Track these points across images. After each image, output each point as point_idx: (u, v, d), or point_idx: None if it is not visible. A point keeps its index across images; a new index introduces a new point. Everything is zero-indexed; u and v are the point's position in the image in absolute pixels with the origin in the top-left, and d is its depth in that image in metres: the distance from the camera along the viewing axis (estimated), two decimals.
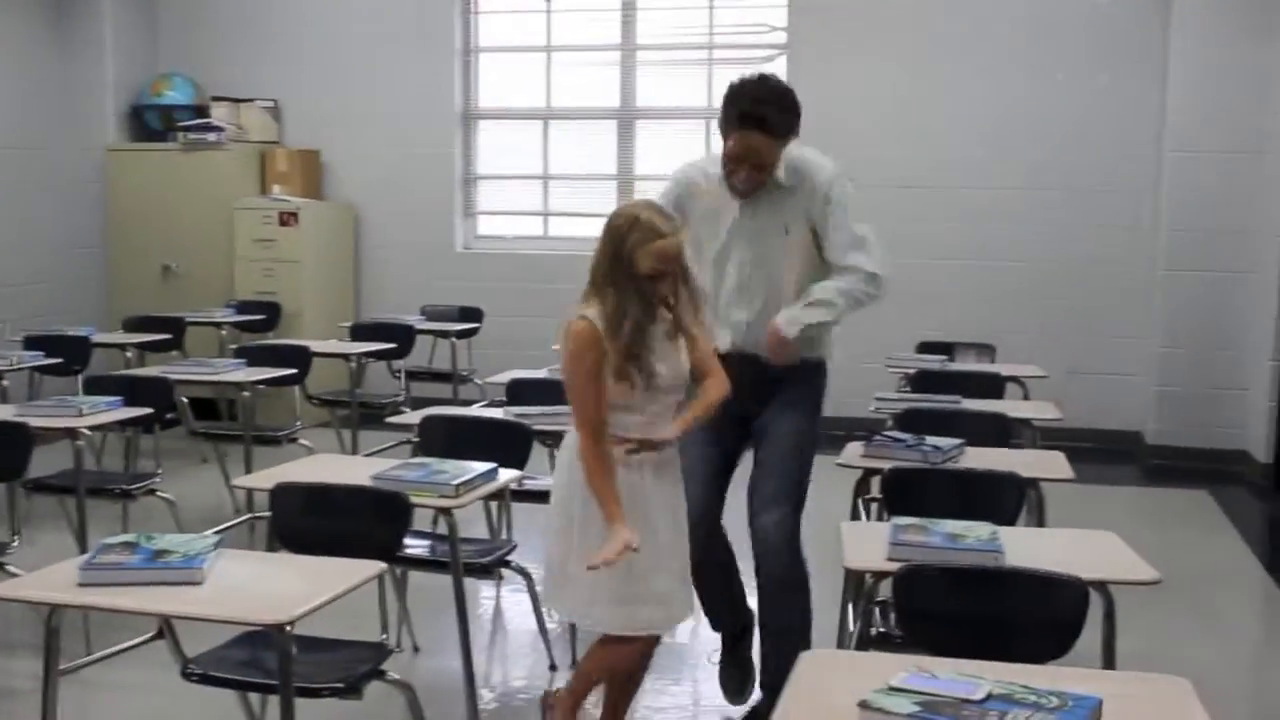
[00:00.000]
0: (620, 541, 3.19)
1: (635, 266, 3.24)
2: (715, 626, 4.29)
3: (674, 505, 3.49)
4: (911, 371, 6.00)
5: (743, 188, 3.84)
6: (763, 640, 3.99)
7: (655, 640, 3.58)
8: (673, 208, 3.79)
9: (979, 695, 2.18)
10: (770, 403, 3.98)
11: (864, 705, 2.14)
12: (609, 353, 3.25)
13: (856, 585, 3.31)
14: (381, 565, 3.15)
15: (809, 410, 4.02)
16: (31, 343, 6.95)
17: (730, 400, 3.55)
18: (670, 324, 3.37)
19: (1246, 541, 6.30)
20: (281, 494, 3.64)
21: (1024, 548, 3.12)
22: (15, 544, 4.39)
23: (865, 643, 3.20)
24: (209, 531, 3.69)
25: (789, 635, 3.75)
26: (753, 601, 4.06)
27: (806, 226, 3.93)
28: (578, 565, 3.33)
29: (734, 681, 4.24)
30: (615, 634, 3.45)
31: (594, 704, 3.71)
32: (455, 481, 3.71)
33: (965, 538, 3.14)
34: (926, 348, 6.73)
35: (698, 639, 4.82)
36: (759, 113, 3.71)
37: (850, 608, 3.49)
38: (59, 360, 6.70)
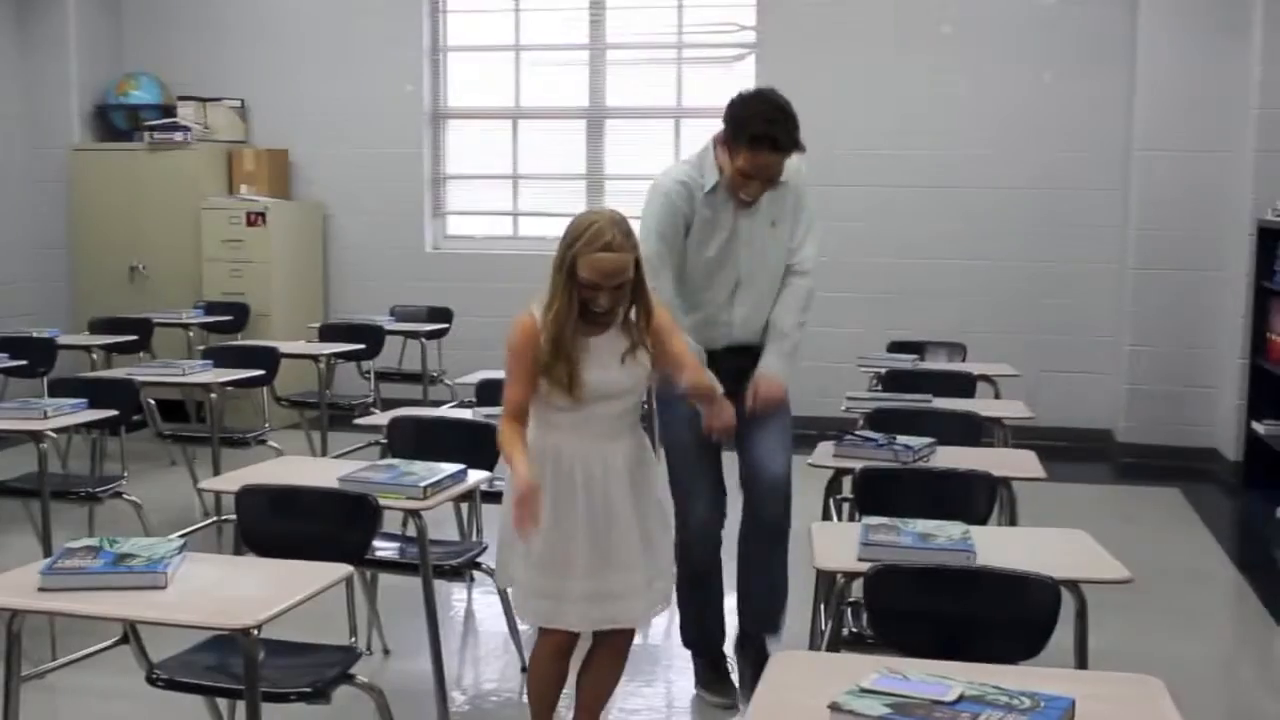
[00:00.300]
0: (521, 483, 3.21)
1: (575, 271, 3.28)
2: (702, 648, 4.35)
3: (602, 510, 3.41)
4: (882, 371, 5.98)
5: (752, 200, 4.02)
6: (754, 583, 4.26)
7: (573, 636, 3.52)
8: (680, 213, 4.03)
9: (950, 696, 2.17)
10: (747, 373, 4.18)
11: (834, 707, 2.13)
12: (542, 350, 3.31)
13: (827, 586, 3.29)
14: (348, 568, 3.12)
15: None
16: None
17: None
18: (625, 339, 3.39)
19: (1217, 539, 6.32)
20: (247, 496, 3.60)
21: (996, 547, 3.11)
22: None
23: (836, 644, 3.18)
24: (174, 535, 3.64)
25: (782, 579, 4.21)
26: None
27: (787, 218, 4.19)
28: (522, 569, 3.42)
29: (729, 692, 4.30)
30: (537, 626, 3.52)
31: (566, 707, 3.70)
32: (424, 483, 3.69)
33: (936, 537, 3.14)
34: (897, 347, 6.72)
35: (670, 639, 4.80)
36: (771, 133, 3.88)
37: (821, 608, 3.48)
38: (24, 362, 6.62)
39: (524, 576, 3.43)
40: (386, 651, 4.62)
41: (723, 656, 4.38)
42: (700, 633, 4.36)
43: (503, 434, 3.35)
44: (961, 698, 2.16)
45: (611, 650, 3.61)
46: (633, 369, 3.41)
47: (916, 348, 6.66)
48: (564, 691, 3.65)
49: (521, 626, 4.61)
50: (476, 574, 4.49)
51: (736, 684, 4.32)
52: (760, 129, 3.88)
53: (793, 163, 4.07)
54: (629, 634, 3.62)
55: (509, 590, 3.54)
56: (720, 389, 3.68)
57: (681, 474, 4.16)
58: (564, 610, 3.41)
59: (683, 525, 4.11)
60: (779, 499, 4.16)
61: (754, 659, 4.22)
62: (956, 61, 8.24)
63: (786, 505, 4.18)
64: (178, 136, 8.82)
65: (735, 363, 4.17)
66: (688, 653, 4.48)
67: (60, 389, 5.55)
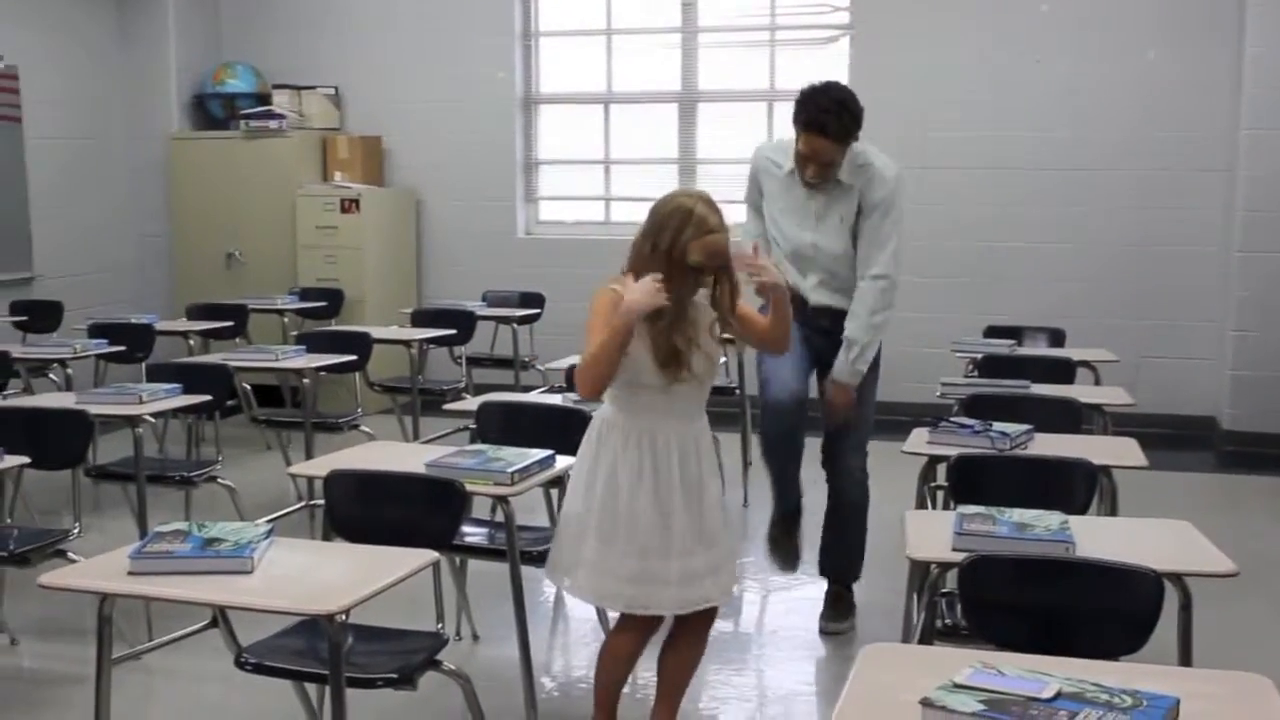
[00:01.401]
0: (644, 287, 3.25)
1: (685, 257, 3.30)
2: (782, 502, 4.63)
3: (695, 489, 3.43)
4: (978, 356, 5.87)
5: (811, 181, 4.41)
6: (835, 546, 4.79)
7: (658, 622, 3.53)
8: (755, 183, 4.63)
9: (1047, 694, 2.10)
10: (837, 350, 4.52)
11: (926, 703, 2.07)
12: (651, 339, 3.32)
13: (921, 576, 3.22)
14: (434, 554, 3.10)
15: (875, 373, 4.62)
16: (96, 330, 7.01)
17: (809, 335, 4.49)
18: (714, 316, 3.42)
19: None
20: (335, 481, 3.60)
21: (1095, 538, 3.04)
22: (76, 531, 4.40)
23: (929, 636, 3.11)
24: (263, 519, 3.66)
25: (860, 541, 4.77)
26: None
27: (854, 217, 4.50)
28: (594, 548, 3.40)
29: (789, 556, 4.74)
30: (624, 612, 3.47)
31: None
32: (511, 469, 3.66)
33: (1034, 527, 3.07)
34: (994, 332, 6.60)
35: (761, 629, 4.75)
36: (820, 120, 4.27)
37: (914, 599, 3.40)
38: (123, 348, 6.74)
39: (615, 561, 3.39)
40: (476, 637, 4.63)
41: (795, 516, 4.70)
42: (776, 490, 4.63)
43: (591, 357, 3.32)
44: (1059, 695, 2.09)
45: (696, 632, 3.58)
46: (715, 345, 3.46)
47: (1014, 333, 6.53)
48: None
49: (611, 615, 4.60)
50: None
51: (799, 548, 4.76)
52: (813, 116, 4.28)
53: (878, 168, 4.44)
54: (712, 614, 3.60)
55: (578, 578, 3.47)
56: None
57: (768, 370, 4.48)
58: (658, 594, 3.39)
59: (762, 409, 4.54)
60: (854, 487, 4.68)
61: (835, 594, 4.81)
62: (1056, 40, 8.05)
63: (864, 491, 4.70)
64: (273, 125, 8.92)
65: (820, 322, 4.57)
66: (778, 640, 4.58)
67: (157, 374, 5.62)
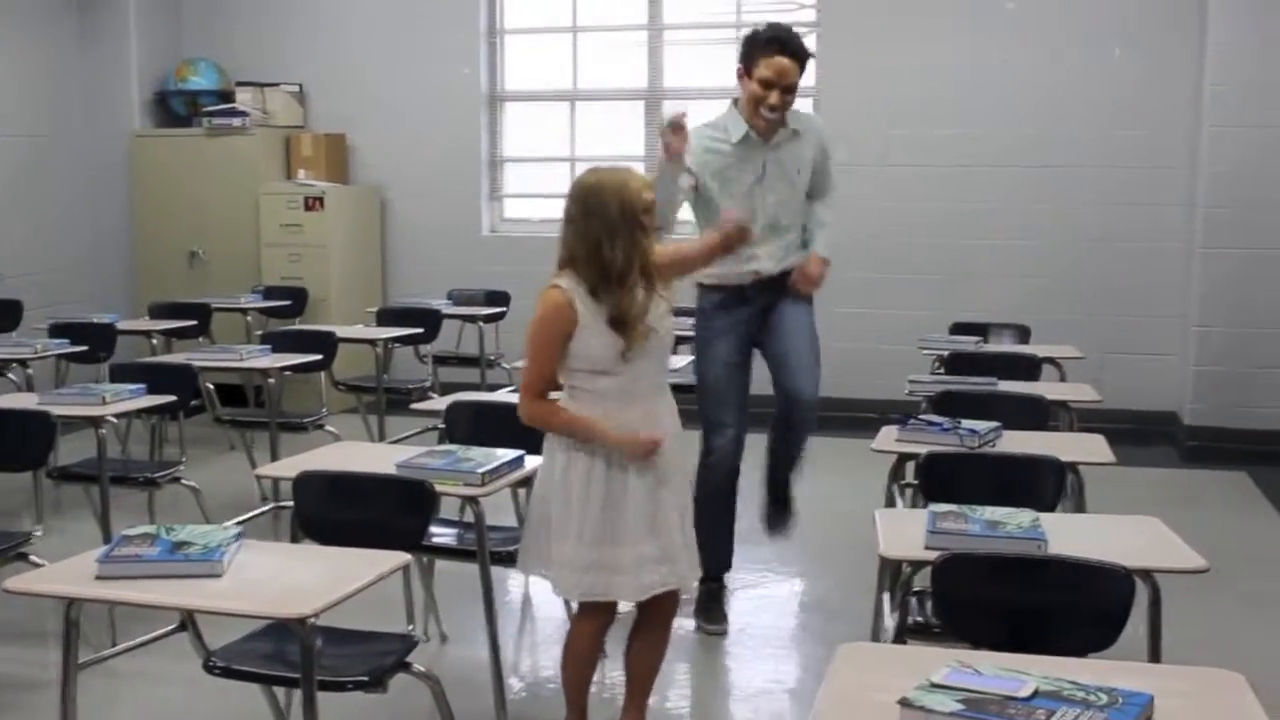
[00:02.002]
0: (644, 438, 3.33)
1: (640, 222, 3.33)
2: (713, 560, 4.52)
3: (652, 475, 3.42)
4: (945, 353, 5.90)
5: (772, 115, 4.40)
6: (778, 466, 4.82)
7: (612, 613, 3.55)
8: (704, 154, 4.47)
9: (1025, 692, 2.10)
10: (777, 300, 4.64)
11: (905, 703, 2.07)
12: (612, 310, 3.32)
13: (892, 575, 3.22)
14: (406, 556, 3.09)
15: (810, 304, 4.73)
16: (57, 330, 6.93)
17: (750, 322, 4.54)
18: (645, 280, 3.42)
19: None
20: (304, 483, 3.58)
21: (1066, 535, 3.05)
22: (39, 533, 4.34)
23: (902, 634, 3.11)
24: (231, 522, 3.63)
25: (799, 463, 4.79)
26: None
27: (810, 169, 4.64)
28: (554, 540, 3.41)
29: (719, 620, 4.71)
30: (581, 601, 3.48)
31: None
32: (481, 469, 3.65)
33: (1006, 525, 3.07)
34: (959, 329, 6.62)
35: (729, 627, 4.76)
36: (781, 37, 4.37)
37: (886, 598, 3.40)
38: (85, 348, 6.67)
39: (570, 552, 3.39)
40: (444, 638, 4.60)
41: (722, 586, 4.79)
42: (706, 557, 4.33)
43: (543, 414, 3.40)
44: (1036, 693, 2.09)
45: (657, 624, 3.59)
46: (663, 309, 3.46)
47: (979, 330, 6.56)
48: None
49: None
50: None
51: (727, 614, 4.76)
52: (770, 35, 4.39)
53: (810, 116, 4.73)
54: (674, 603, 3.60)
55: (547, 572, 3.48)
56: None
57: (711, 407, 4.60)
58: (617, 581, 3.41)
59: (706, 453, 4.59)
60: (810, 416, 4.68)
61: (777, 497, 4.91)
62: (1021, 38, 8.09)
63: (813, 412, 4.69)
64: (236, 122, 8.84)
65: (766, 299, 4.60)
66: (745, 639, 4.60)
67: (120, 374, 5.57)
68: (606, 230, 3.30)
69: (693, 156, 4.34)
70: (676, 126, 3.98)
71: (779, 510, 4.94)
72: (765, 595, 5.18)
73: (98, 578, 2.85)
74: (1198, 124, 7.67)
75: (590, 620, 3.53)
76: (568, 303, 3.32)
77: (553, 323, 3.35)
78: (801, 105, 8.60)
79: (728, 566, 4.84)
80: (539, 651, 4.74)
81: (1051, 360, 5.95)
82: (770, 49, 4.35)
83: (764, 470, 4.90)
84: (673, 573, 3.47)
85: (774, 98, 4.36)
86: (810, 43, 8.39)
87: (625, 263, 3.31)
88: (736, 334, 4.59)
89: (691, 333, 4.75)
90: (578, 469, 3.39)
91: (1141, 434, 7.47)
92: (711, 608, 4.70)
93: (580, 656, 3.58)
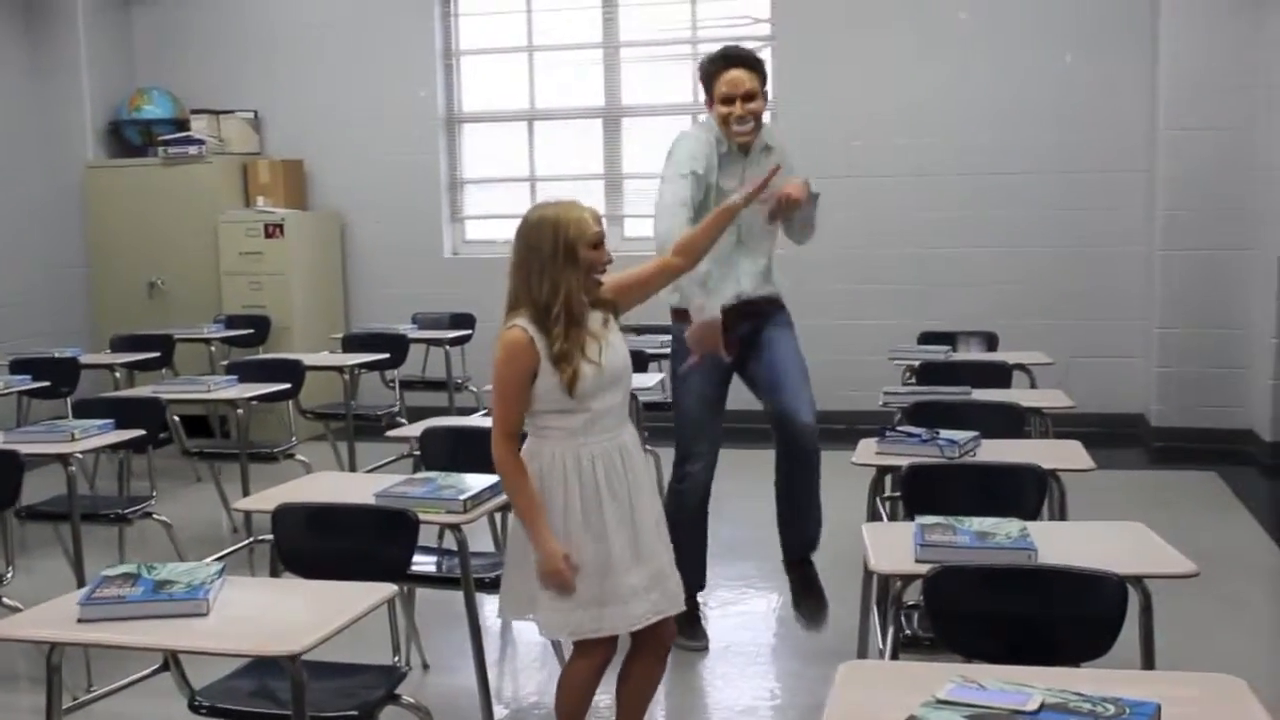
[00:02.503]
0: (554, 561, 3.26)
1: (577, 258, 3.29)
2: (690, 578, 4.39)
3: (626, 504, 3.38)
4: (915, 363, 5.91)
5: (741, 127, 4.41)
6: (797, 514, 4.58)
7: (612, 648, 3.47)
8: (705, 164, 4.42)
9: (1031, 706, 2.10)
10: (759, 328, 4.60)
11: None
12: (551, 349, 3.28)
13: (882, 589, 3.21)
14: (392, 588, 3.06)
15: (792, 327, 4.71)
16: (18, 366, 6.82)
17: (726, 349, 4.28)
18: (603, 310, 3.42)
19: (1259, 522, 6.22)
20: (284, 516, 3.54)
21: (1054, 543, 3.06)
22: (10, 574, 4.28)
23: (896, 649, 3.10)
24: (211, 558, 3.58)
25: (818, 504, 4.54)
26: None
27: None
28: (536, 581, 3.33)
29: (699, 640, 4.71)
30: (578, 639, 3.40)
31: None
32: (463, 496, 3.63)
33: (995, 535, 3.08)
34: (928, 338, 6.65)
35: (714, 644, 4.73)
36: (729, 52, 4.52)
37: (875, 612, 3.40)
38: (47, 384, 6.58)
39: (588, 591, 3.32)
40: (426, 666, 4.56)
41: (697, 604, 4.72)
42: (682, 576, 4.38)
43: (511, 469, 3.32)
44: (1043, 706, 2.10)
45: (653, 652, 3.53)
46: (619, 337, 3.45)
47: (948, 338, 6.59)
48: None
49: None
50: None
51: (707, 630, 4.77)
52: (717, 54, 4.53)
53: (777, 136, 4.65)
54: (671, 633, 3.55)
55: (534, 615, 3.42)
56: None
57: (685, 431, 4.60)
58: (608, 614, 3.34)
59: (679, 478, 4.60)
60: (810, 440, 4.48)
61: (803, 574, 4.63)
62: (975, 47, 8.16)
63: (815, 442, 4.50)
64: (192, 150, 8.77)
65: (744, 327, 4.53)
66: (731, 656, 4.57)
67: (85, 409, 5.50)
68: (538, 266, 3.28)
69: (696, 157, 4.43)
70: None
71: (808, 594, 4.64)
72: (747, 611, 5.17)
73: (80, 620, 2.79)
74: (1153, 128, 7.76)
75: (589, 658, 3.43)
76: (529, 341, 3.28)
77: (516, 363, 3.29)
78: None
79: (702, 585, 4.79)
80: (522, 677, 4.70)
81: (1021, 366, 5.98)
82: (719, 65, 4.47)
83: (780, 534, 4.66)
84: (664, 597, 3.42)
85: (738, 108, 4.40)
86: (765, 58, 8.49)
87: (551, 297, 3.27)
88: (714, 366, 4.44)
89: (664, 350, 4.74)
90: (555, 503, 3.33)
91: (1110, 436, 7.52)
92: (691, 625, 4.66)
93: (574, 690, 3.48)
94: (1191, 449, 7.50)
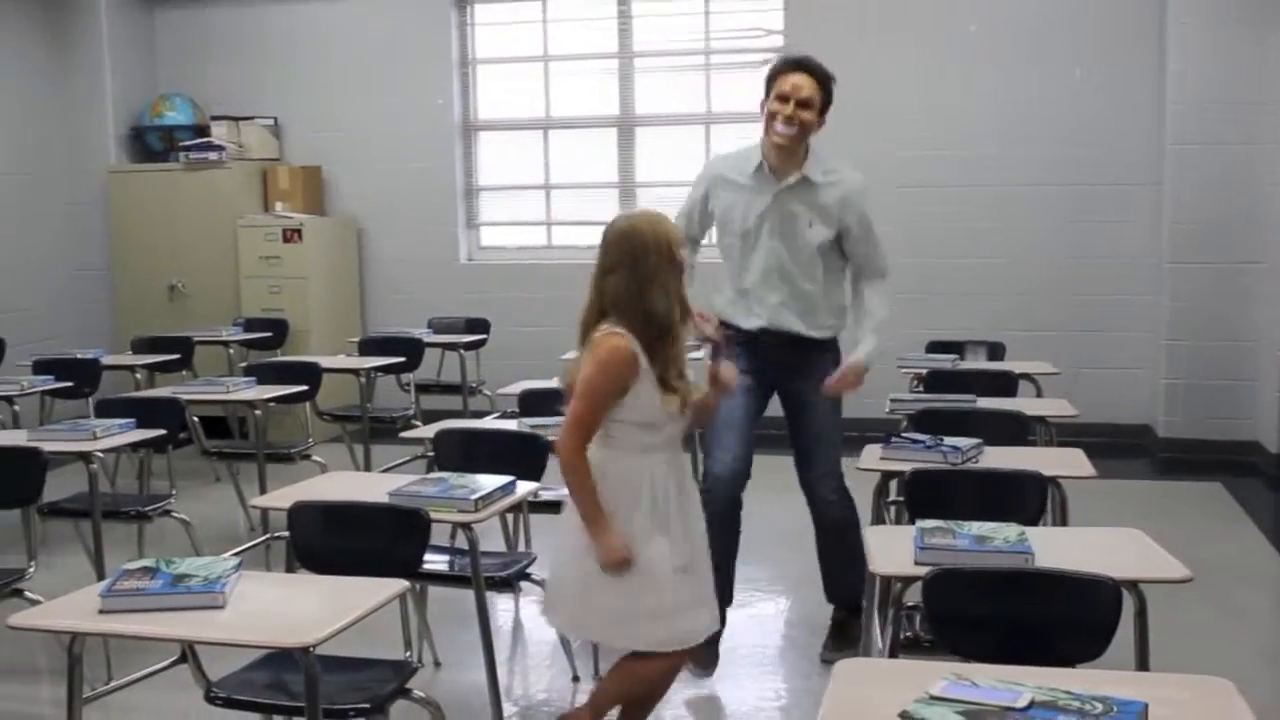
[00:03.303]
0: (620, 558, 3.30)
1: (680, 269, 3.34)
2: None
3: (685, 519, 3.45)
4: (923, 372, 5.98)
5: (785, 129, 4.29)
6: (835, 569, 4.59)
7: (687, 653, 3.54)
8: (701, 197, 4.50)
9: (1022, 703, 2.15)
10: (800, 375, 4.51)
11: (905, 716, 2.12)
12: (660, 367, 3.31)
13: (884, 591, 3.28)
14: (404, 583, 3.12)
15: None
16: (41, 367, 6.93)
17: (763, 370, 4.38)
18: (685, 320, 3.45)
19: (1263, 532, 6.27)
20: (299, 513, 3.61)
21: (1052, 548, 3.09)
22: (32, 569, 4.36)
23: (895, 649, 3.17)
24: (228, 553, 3.66)
25: (854, 559, 4.06)
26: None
27: (830, 227, 4.45)
28: (601, 590, 3.35)
29: (706, 668, 4.50)
30: (651, 650, 3.42)
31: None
32: (475, 496, 3.68)
33: (993, 539, 3.12)
34: (936, 347, 6.70)
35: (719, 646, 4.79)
36: (797, 58, 4.42)
37: (877, 614, 3.46)
38: (70, 384, 6.68)
39: (633, 604, 3.36)
40: (438, 664, 4.63)
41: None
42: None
43: (580, 469, 3.33)
44: (1032, 704, 2.15)
45: (679, 659, 3.57)
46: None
47: (955, 347, 6.64)
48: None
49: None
50: (525, 584, 4.47)
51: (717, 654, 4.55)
52: (785, 58, 4.47)
53: (848, 171, 4.50)
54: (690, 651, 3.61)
55: (596, 628, 3.50)
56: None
57: (714, 434, 4.42)
58: (693, 618, 3.44)
59: (705, 475, 4.44)
60: (838, 512, 4.50)
61: (844, 620, 4.61)
62: (985, 60, 8.22)
63: (846, 501, 4.52)
64: (212, 156, 8.88)
65: (777, 354, 4.49)
66: (736, 658, 4.61)
67: (106, 409, 5.58)
68: (646, 275, 3.29)
69: (707, 185, 4.49)
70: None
71: (841, 640, 4.59)
72: (753, 614, 5.23)
73: (101, 611, 2.86)
74: (1161, 142, 7.81)
75: (670, 660, 3.47)
76: (634, 355, 3.28)
77: (619, 373, 3.29)
78: None
79: (728, 601, 4.52)
80: (532, 675, 4.77)
81: (1027, 376, 6.04)
82: (787, 67, 4.38)
83: (823, 580, 4.70)
84: (710, 614, 3.50)
85: (788, 109, 4.29)
86: None
87: (666, 308, 3.29)
88: (751, 371, 4.34)
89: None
90: (639, 517, 3.36)
91: (1117, 447, 7.57)
92: (708, 646, 4.48)
93: (648, 686, 3.56)
94: (1198, 460, 7.55)
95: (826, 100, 4.37)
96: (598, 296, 3.36)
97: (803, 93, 4.30)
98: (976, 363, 6.46)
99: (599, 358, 3.30)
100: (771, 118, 4.33)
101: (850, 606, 4.46)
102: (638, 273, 3.30)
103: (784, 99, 4.30)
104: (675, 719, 4.29)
